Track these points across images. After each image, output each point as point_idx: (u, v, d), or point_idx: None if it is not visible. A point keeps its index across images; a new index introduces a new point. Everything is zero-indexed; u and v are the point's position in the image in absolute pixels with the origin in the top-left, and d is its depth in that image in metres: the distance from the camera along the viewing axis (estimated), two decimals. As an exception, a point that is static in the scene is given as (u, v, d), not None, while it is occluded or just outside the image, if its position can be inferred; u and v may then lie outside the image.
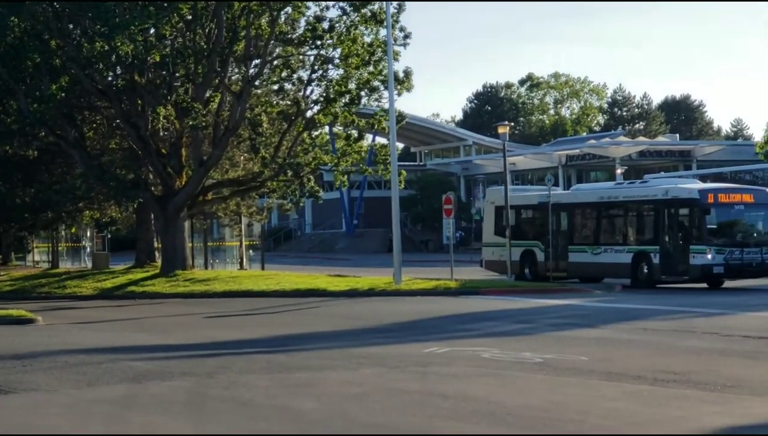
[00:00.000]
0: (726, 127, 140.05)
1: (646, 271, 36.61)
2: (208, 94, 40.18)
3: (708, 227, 35.23)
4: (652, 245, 36.54)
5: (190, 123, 39.07)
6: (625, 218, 38.94)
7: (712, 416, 11.68)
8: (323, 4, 41.34)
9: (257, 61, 40.49)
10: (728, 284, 36.60)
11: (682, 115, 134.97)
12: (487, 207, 44.67)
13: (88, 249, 59.22)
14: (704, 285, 36.11)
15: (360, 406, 12.60)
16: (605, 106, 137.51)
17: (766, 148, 65.47)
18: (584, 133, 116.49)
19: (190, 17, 39.54)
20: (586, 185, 48.84)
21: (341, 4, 40.79)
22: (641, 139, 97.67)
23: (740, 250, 35.13)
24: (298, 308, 30.47)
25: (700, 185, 37.84)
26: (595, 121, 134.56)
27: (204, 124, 39.81)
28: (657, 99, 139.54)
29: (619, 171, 72.89)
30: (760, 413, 11.91)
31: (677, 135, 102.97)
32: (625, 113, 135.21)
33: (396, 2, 40.21)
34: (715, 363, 16.17)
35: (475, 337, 20.95)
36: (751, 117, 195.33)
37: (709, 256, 34.68)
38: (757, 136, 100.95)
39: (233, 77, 42.77)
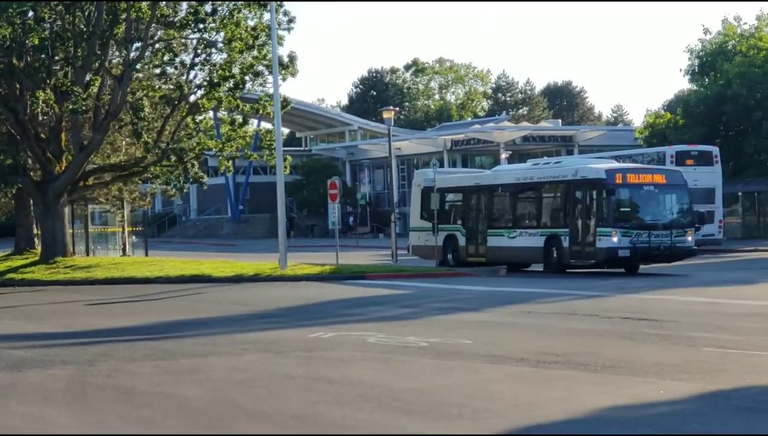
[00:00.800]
0: (607, 113, 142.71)
1: (555, 255, 35.46)
2: (88, 78, 39.43)
3: (616, 208, 33.92)
4: (563, 228, 35.36)
5: (70, 107, 38.33)
6: (538, 200, 37.47)
7: (593, 396, 11.85)
8: (205, -13, 40.89)
9: (138, 45, 39.90)
10: (644, 268, 35.51)
11: (564, 100, 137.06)
12: (414, 190, 43.02)
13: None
14: (621, 270, 35.04)
15: (245, 392, 12.52)
16: (489, 91, 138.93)
17: (645, 133, 66.69)
18: (469, 118, 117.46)
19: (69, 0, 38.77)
20: (506, 166, 46.62)
21: (224, -13, 40.40)
22: (525, 124, 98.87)
23: (648, 232, 33.71)
24: (183, 294, 30.17)
25: (609, 165, 36.56)
26: (480, 107, 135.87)
27: (84, 108, 39.07)
28: (539, 85, 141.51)
29: (503, 155, 73.67)
30: (639, 393, 12.12)
31: (560, 120, 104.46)
32: (508, 99, 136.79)
33: (279, -14, 39.95)
34: (596, 344, 16.42)
35: (361, 321, 20.99)
36: (630, 103, 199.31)
37: (615, 239, 33.43)
38: (637, 122, 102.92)
39: (114, 60, 42.05)
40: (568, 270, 35.57)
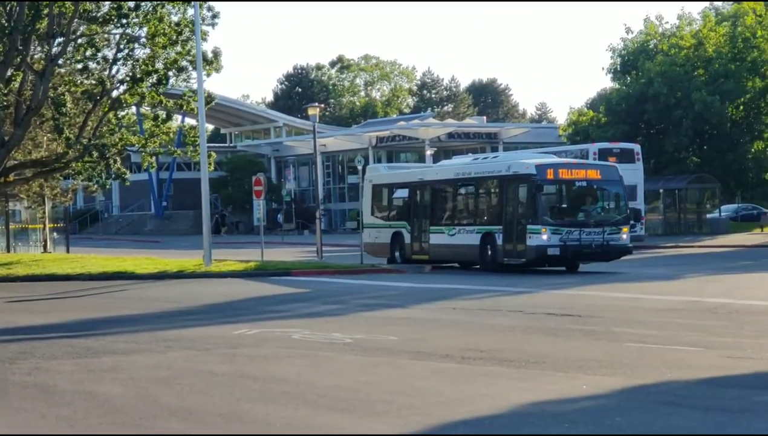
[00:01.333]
0: (531, 111, 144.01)
1: (490, 253, 34.38)
2: (9, 73, 38.84)
3: (547, 205, 33.27)
4: (497, 225, 34.33)
5: (-9, 102, 37.75)
6: (475, 196, 36.70)
7: (517, 392, 11.90)
8: (128, -18, 40.44)
9: (60, 40, 39.37)
10: (585, 266, 34.76)
11: (489, 98, 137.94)
12: (366, 186, 41.57)
13: None
14: (561, 268, 34.44)
15: (168, 389, 12.40)
16: (415, 88, 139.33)
17: (569, 130, 67.33)
18: (394, 115, 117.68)
19: (-11, -6, 38.16)
20: (449, 161, 45.41)
21: (147, -18, 39.98)
22: (450, 121, 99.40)
23: (579, 230, 32.69)
24: (105, 291, 29.85)
25: (540, 160, 35.54)
26: (405, 104, 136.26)
27: (5, 103, 38.51)
28: (465, 82, 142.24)
29: (428, 152, 73.91)
30: (562, 388, 12.19)
31: (484, 117, 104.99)
32: (434, 96, 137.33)
33: (203, -18, 39.67)
34: (520, 340, 16.52)
35: (286, 318, 20.90)
36: (554, 101, 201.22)
37: (545, 236, 32.42)
38: (561, 120, 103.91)
39: (36, 56, 41.46)
40: (505, 267, 34.39)
